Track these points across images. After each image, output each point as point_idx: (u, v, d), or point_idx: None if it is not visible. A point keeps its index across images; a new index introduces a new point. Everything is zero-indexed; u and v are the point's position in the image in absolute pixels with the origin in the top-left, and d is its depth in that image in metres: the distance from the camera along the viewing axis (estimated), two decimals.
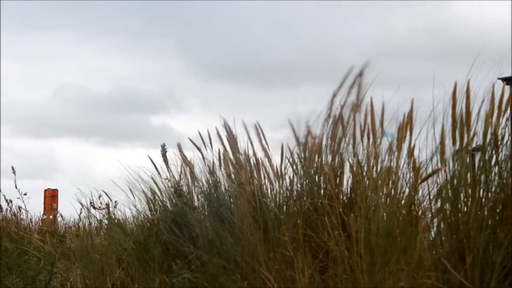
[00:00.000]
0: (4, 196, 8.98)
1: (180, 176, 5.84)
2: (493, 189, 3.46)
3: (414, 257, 3.57)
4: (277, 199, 4.75)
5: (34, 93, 26.33)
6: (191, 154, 5.71)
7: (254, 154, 5.02)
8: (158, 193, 5.91)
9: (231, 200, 5.10)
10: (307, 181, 4.58)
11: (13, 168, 8.78)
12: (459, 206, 3.49)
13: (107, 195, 6.54)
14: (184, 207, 5.44)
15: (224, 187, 5.39)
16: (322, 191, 4.48)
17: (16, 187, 8.73)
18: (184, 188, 5.72)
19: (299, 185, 4.68)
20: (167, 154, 5.92)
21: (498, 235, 3.33)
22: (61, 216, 9.22)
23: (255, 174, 4.87)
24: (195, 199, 5.66)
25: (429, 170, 3.80)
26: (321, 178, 4.51)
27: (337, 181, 4.47)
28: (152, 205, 5.94)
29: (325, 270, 4.26)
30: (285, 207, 4.66)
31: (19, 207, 8.90)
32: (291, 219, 4.44)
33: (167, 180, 5.84)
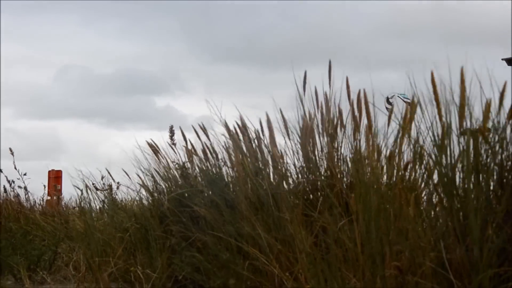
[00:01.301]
0: (6, 177, 8.98)
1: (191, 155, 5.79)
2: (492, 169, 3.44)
3: (412, 238, 3.56)
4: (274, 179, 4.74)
5: (37, 74, 26.31)
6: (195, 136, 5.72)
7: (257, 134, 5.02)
8: (161, 176, 5.91)
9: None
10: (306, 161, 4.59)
11: (11, 150, 8.78)
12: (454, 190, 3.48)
13: (111, 176, 6.57)
14: (189, 188, 5.44)
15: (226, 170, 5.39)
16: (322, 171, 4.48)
17: (15, 167, 8.72)
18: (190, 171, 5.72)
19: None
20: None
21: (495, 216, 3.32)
22: (61, 200, 9.23)
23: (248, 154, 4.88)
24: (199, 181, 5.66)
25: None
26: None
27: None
28: (155, 187, 5.95)
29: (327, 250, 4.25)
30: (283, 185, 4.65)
31: (24, 188, 8.90)
32: (289, 198, 4.43)
33: (174, 163, 5.85)
